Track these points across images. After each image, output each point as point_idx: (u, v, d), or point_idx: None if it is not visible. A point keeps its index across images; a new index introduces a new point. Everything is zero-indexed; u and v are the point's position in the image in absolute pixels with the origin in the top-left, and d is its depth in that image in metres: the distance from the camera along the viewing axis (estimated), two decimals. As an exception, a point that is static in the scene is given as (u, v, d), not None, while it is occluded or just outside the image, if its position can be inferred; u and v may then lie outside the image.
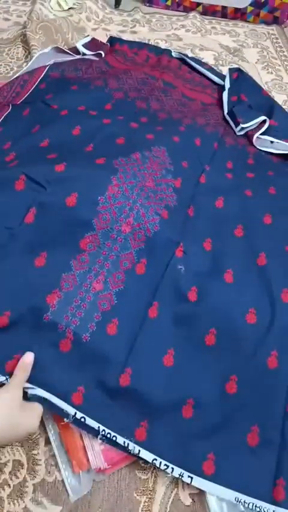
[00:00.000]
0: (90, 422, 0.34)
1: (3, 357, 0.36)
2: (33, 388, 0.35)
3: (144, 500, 0.35)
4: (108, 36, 0.81)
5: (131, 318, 0.38)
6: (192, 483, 0.34)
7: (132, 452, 0.34)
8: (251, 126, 0.59)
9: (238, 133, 0.59)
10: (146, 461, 0.35)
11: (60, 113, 0.53)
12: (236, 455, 0.35)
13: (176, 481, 0.36)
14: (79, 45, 0.72)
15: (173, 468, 0.34)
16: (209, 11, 0.95)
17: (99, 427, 0.34)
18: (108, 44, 0.76)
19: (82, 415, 0.35)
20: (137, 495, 0.36)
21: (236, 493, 0.34)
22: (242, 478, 0.34)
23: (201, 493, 0.36)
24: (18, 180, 0.41)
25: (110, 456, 0.35)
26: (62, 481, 0.35)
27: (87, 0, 0.91)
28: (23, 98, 0.57)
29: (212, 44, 0.87)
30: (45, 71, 0.61)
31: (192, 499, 0.36)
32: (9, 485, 0.35)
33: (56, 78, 0.61)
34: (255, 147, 0.58)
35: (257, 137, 0.58)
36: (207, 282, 0.41)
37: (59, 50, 0.69)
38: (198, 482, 0.34)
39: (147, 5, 0.97)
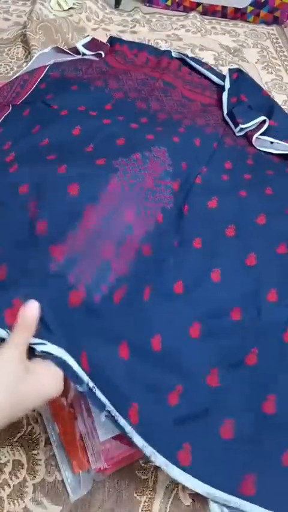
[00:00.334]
0: (100, 395, 0.31)
1: (1, 303, 0.31)
2: (43, 343, 0.30)
3: (144, 500, 0.35)
4: (108, 36, 0.80)
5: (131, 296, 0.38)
6: (168, 472, 0.32)
7: (129, 435, 0.32)
8: (250, 126, 0.58)
9: (238, 134, 0.59)
10: (146, 461, 0.35)
11: (60, 113, 0.53)
12: (210, 447, 0.33)
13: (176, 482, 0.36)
14: (79, 45, 0.72)
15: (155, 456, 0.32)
16: (209, 11, 0.95)
17: (105, 404, 0.31)
18: (108, 44, 0.76)
19: (93, 384, 0.31)
20: (137, 495, 0.36)
21: (208, 487, 0.32)
22: (215, 471, 0.33)
23: (201, 493, 0.36)
24: (22, 186, 0.42)
25: (110, 456, 0.35)
26: (62, 481, 0.35)
27: (87, 0, 0.91)
28: (23, 98, 0.57)
29: (212, 44, 0.87)
30: (45, 71, 0.61)
31: (192, 499, 0.36)
32: (9, 485, 0.35)
33: (56, 78, 0.61)
34: (254, 147, 0.58)
35: (257, 137, 0.58)
36: (193, 279, 0.41)
37: (59, 50, 0.69)
38: (173, 472, 0.32)
39: (147, 5, 0.97)
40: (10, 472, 0.36)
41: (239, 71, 0.70)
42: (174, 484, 0.36)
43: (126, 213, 0.42)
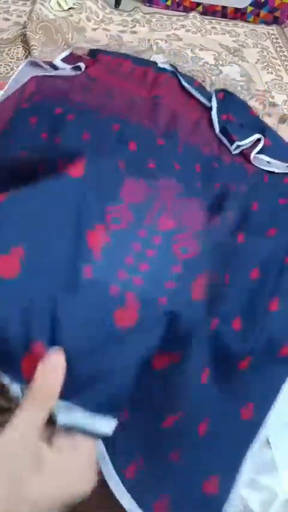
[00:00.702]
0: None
1: (15, 347, 0.21)
2: (67, 411, 0.20)
3: (144, 501, 0.35)
4: (89, 49, 0.76)
5: None
6: None
7: None
8: (246, 144, 0.58)
9: (234, 152, 0.57)
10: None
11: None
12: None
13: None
14: (58, 61, 0.68)
15: None
16: (209, 11, 0.95)
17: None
18: (89, 57, 0.71)
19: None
20: (137, 495, 0.35)
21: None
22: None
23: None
24: None
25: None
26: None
27: (87, 0, 0.91)
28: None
29: (212, 43, 0.87)
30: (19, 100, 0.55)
31: (192, 499, 0.36)
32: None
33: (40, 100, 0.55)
34: (252, 165, 0.57)
35: (254, 156, 0.57)
36: None
37: (35, 65, 0.65)
38: None
39: (147, 5, 0.97)
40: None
41: (224, 90, 0.68)
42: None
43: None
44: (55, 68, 0.68)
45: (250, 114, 0.65)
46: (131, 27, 0.90)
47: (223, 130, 0.60)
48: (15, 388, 0.20)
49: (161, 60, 0.74)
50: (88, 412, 0.21)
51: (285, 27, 0.95)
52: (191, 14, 0.93)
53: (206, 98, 0.66)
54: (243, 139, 0.57)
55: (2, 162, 0.37)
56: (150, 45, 0.85)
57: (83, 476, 0.20)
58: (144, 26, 0.91)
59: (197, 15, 0.93)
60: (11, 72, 0.74)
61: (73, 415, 0.20)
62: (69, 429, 0.20)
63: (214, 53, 0.84)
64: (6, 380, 0.21)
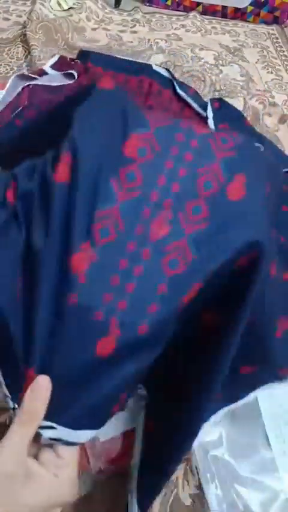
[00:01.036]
0: None
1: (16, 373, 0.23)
2: (52, 427, 0.23)
3: (144, 501, 0.35)
4: (78, 51, 0.73)
5: None
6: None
7: None
8: None
9: None
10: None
11: None
12: None
13: (176, 481, 0.36)
14: (47, 67, 0.65)
15: None
16: (209, 11, 0.95)
17: None
18: (79, 61, 0.68)
19: None
20: (137, 495, 0.36)
21: None
22: None
23: (201, 493, 0.36)
24: None
25: (110, 457, 0.35)
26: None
27: (87, 0, 0.91)
28: None
29: (212, 43, 0.87)
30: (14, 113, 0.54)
31: (193, 500, 0.36)
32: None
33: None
34: None
35: None
36: None
37: (23, 77, 0.63)
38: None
39: (147, 4, 0.97)
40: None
41: (220, 100, 0.67)
42: (174, 484, 0.36)
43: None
44: (45, 73, 0.65)
45: (246, 125, 0.65)
46: (131, 27, 0.90)
47: None
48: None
49: (157, 64, 0.72)
50: (67, 429, 0.23)
51: (286, 27, 0.95)
52: (191, 14, 0.93)
53: (201, 107, 0.65)
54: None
55: None
56: (150, 44, 0.85)
57: (68, 487, 0.23)
58: (144, 26, 0.91)
59: (197, 15, 0.93)
60: (11, 72, 0.74)
61: (55, 432, 0.23)
62: (54, 440, 0.23)
63: (214, 52, 0.84)
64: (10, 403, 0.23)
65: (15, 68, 0.75)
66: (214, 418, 0.31)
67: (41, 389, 0.22)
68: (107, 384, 0.24)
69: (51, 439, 0.23)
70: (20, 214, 0.27)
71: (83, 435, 0.24)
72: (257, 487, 0.36)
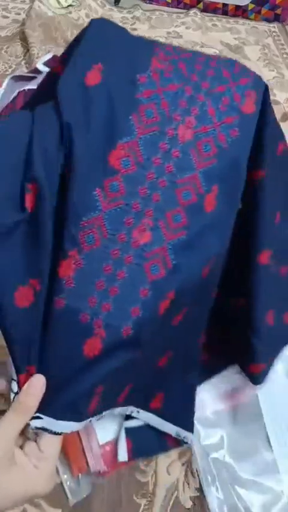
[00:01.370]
0: None
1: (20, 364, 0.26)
2: (39, 417, 0.25)
3: (144, 504, 0.35)
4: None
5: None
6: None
7: None
8: None
9: None
10: (145, 464, 0.35)
11: None
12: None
13: (177, 484, 0.36)
14: (40, 65, 0.64)
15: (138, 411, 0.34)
16: (210, 8, 0.94)
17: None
18: None
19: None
20: (137, 498, 0.35)
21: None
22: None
23: (201, 495, 0.35)
24: None
25: (109, 459, 0.35)
26: (61, 483, 0.35)
27: (87, -3, 0.91)
28: None
29: (212, 41, 0.87)
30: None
31: (193, 502, 0.35)
32: (7, 488, 0.35)
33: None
34: None
35: None
36: None
37: (18, 79, 0.62)
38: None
39: (148, 2, 0.97)
40: (9, 475, 0.36)
41: None
42: (174, 487, 0.36)
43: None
44: (39, 72, 0.63)
45: None
46: (131, 25, 0.89)
47: None
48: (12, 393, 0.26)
49: None
50: (51, 418, 0.26)
51: (287, 24, 0.94)
52: (192, 11, 0.93)
53: None
54: None
55: None
56: (151, 42, 0.84)
57: (45, 480, 0.24)
58: (144, 23, 0.90)
59: (198, 12, 0.93)
60: (10, 70, 0.73)
61: (41, 421, 0.25)
62: (40, 430, 0.25)
63: (215, 50, 0.84)
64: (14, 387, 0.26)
65: (14, 66, 0.74)
66: None
67: (36, 387, 0.25)
68: (88, 380, 0.26)
69: (37, 428, 0.25)
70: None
71: (66, 426, 0.26)
72: (258, 489, 0.36)
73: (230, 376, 0.40)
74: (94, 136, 0.27)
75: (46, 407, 0.25)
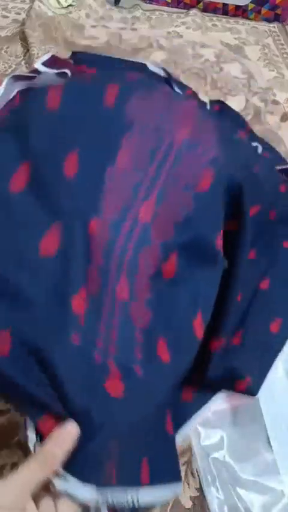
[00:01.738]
0: None
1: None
2: (64, 477, 0.22)
3: (144, 504, 0.35)
4: (71, 52, 0.68)
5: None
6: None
7: None
8: None
9: None
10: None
11: None
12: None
13: (177, 484, 0.36)
14: (39, 65, 0.66)
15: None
16: (210, 8, 0.94)
17: None
18: (72, 60, 0.64)
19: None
20: (137, 498, 0.35)
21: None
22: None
23: (201, 496, 0.35)
24: None
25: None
26: (61, 484, 0.35)
27: (87, -3, 0.91)
28: None
29: (212, 41, 0.87)
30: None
31: (193, 502, 0.35)
32: (7, 488, 0.35)
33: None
34: None
35: None
36: None
37: (16, 78, 0.64)
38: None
39: (148, 2, 0.97)
40: (8, 475, 0.35)
41: (221, 102, 0.65)
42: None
43: (141, 210, 0.33)
44: (38, 73, 0.65)
45: (245, 129, 0.63)
46: (131, 25, 0.89)
47: None
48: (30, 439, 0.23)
49: (154, 65, 0.70)
50: (76, 480, 0.23)
51: (287, 24, 0.94)
52: (192, 11, 0.93)
53: None
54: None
55: None
56: (151, 42, 0.84)
57: None
58: (144, 23, 0.90)
59: (198, 12, 0.93)
60: (9, 69, 0.73)
61: (64, 483, 0.22)
62: (61, 491, 0.22)
63: (215, 50, 0.84)
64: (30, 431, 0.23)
65: (14, 66, 0.74)
66: None
67: (66, 437, 0.22)
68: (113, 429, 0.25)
69: (60, 490, 0.22)
70: None
71: (88, 492, 0.23)
72: (259, 489, 0.36)
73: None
74: None
75: (72, 462, 0.22)
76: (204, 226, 0.33)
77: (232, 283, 0.35)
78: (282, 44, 0.89)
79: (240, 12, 0.94)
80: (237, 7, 0.93)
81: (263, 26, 0.93)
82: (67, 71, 0.61)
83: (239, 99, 0.73)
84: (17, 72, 0.65)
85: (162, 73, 0.67)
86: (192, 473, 0.37)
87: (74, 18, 0.85)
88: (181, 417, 0.35)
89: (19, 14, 0.88)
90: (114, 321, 0.28)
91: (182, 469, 0.37)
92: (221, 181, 0.34)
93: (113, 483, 0.24)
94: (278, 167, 0.56)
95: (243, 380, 0.35)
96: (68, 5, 0.87)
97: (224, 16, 0.94)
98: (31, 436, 0.23)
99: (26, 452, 0.36)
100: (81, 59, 0.67)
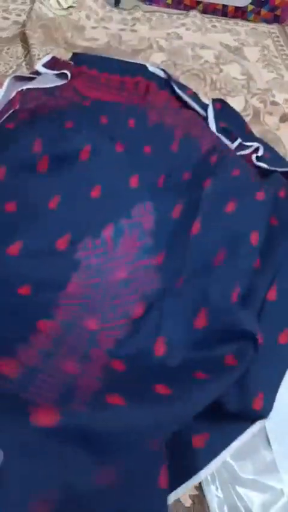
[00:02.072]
0: None
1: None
2: None
3: (144, 502, 0.35)
4: (72, 54, 0.72)
5: None
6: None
7: None
8: (248, 148, 0.59)
9: (235, 147, 0.59)
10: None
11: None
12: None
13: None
14: (39, 66, 0.64)
15: None
16: (210, 10, 0.95)
17: None
18: (72, 62, 0.67)
19: None
20: (137, 497, 0.35)
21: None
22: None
23: (201, 494, 0.35)
24: None
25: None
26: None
27: (87, -2, 0.91)
28: None
29: (212, 42, 0.87)
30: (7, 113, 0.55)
31: (193, 501, 0.35)
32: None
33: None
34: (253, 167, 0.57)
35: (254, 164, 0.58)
36: None
37: (17, 79, 0.62)
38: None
39: (148, 3, 0.97)
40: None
41: (222, 101, 0.65)
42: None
43: (88, 322, 0.37)
44: (39, 74, 0.64)
45: (245, 130, 0.64)
46: (131, 26, 0.89)
47: (222, 131, 0.59)
48: None
49: (154, 66, 0.70)
50: None
51: (286, 25, 0.94)
52: (192, 13, 0.93)
53: (200, 107, 0.63)
54: (247, 143, 0.58)
55: None
56: (151, 43, 0.84)
57: None
58: (144, 25, 0.90)
59: (198, 14, 0.93)
60: (10, 71, 0.73)
61: None
62: None
63: (214, 51, 0.84)
64: None
65: (15, 67, 0.74)
66: None
67: None
68: None
69: None
70: None
71: None
72: (258, 488, 0.36)
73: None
74: None
75: None
76: None
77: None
78: (281, 45, 0.89)
79: (239, 13, 0.94)
80: (237, 8, 0.93)
81: (263, 27, 0.93)
82: (67, 72, 0.62)
83: (239, 100, 0.73)
84: (17, 73, 0.66)
85: (162, 74, 0.67)
86: (192, 472, 0.37)
87: (75, 19, 0.86)
88: (191, 466, 0.35)
89: (20, 15, 0.88)
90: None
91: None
92: None
93: None
94: (279, 169, 0.56)
95: (257, 397, 0.36)
96: (69, 7, 0.87)
97: (224, 17, 0.95)
98: None
99: None
100: (82, 60, 0.68)
